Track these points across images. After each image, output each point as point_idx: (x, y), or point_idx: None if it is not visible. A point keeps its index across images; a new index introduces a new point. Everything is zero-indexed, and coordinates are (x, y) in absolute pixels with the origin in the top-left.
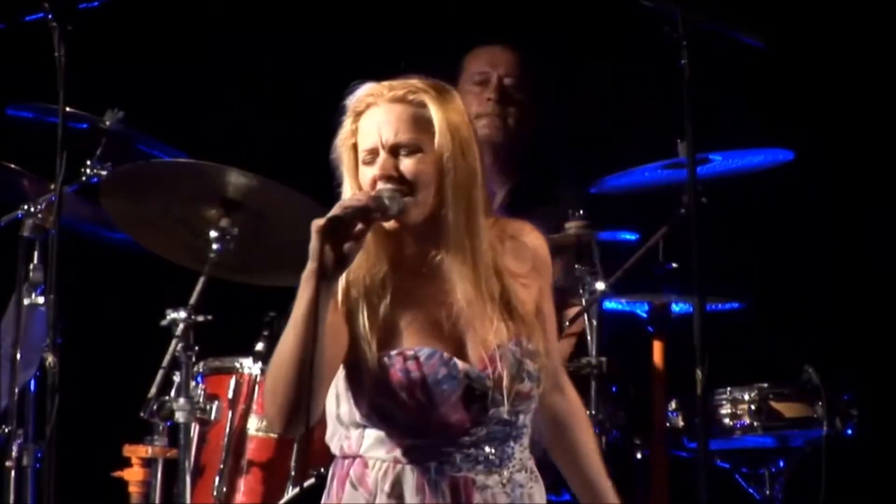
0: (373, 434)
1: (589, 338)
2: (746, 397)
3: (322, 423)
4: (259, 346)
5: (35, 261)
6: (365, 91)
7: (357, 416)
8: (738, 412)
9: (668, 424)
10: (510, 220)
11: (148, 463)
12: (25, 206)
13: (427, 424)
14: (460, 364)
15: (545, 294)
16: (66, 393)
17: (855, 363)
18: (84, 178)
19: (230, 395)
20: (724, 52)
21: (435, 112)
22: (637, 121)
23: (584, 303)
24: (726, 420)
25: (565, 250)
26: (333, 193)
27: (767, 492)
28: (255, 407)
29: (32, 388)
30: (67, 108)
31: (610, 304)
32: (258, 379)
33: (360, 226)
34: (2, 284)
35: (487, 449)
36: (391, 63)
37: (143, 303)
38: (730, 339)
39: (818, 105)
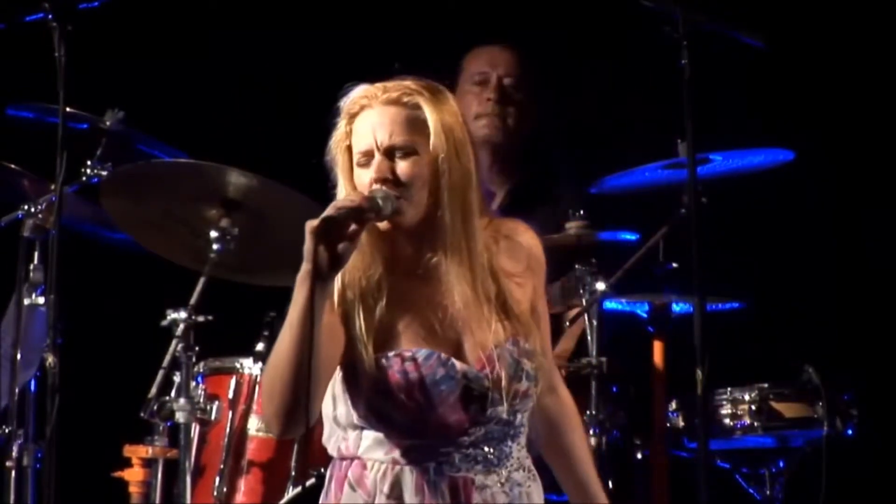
0: (371, 435)
1: (589, 338)
2: (746, 397)
3: (322, 422)
4: (259, 347)
5: (35, 261)
6: (358, 93)
7: (354, 418)
8: (739, 412)
9: (668, 424)
10: (504, 220)
11: (148, 463)
12: (26, 207)
13: (425, 425)
14: (458, 365)
15: (539, 293)
16: (66, 393)
17: (855, 363)
18: (84, 179)
19: (230, 395)
20: (724, 52)
21: (430, 114)
22: (637, 121)
23: (584, 303)
24: (726, 420)
25: (565, 251)
26: (329, 195)
27: (768, 492)
28: (255, 407)
29: (33, 388)
30: (67, 108)
31: (610, 304)
32: (258, 379)
33: (353, 226)
34: (2, 284)
35: (486, 449)
36: (391, 63)
37: (143, 303)
38: (730, 339)
39: (818, 105)
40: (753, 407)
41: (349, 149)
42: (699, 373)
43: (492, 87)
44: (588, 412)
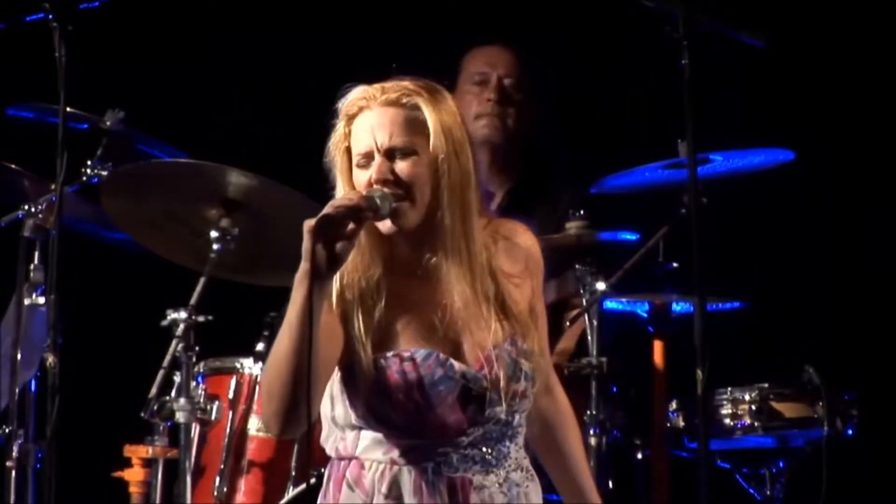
0: (369, 436)
1: (589, 338)
2: (747, 397)
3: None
4: (259, 347)
5: (35, 261)
6: (357, 94)
7: (353, 418)
8: (739, 412)
9: (668, 424)
10: (503, 221)
11: (148, 463)
12: (26, 207)
13: (424, 425)
14: (457, 365)
15: (537, 294)
16: (66, 393)
17: (855, 363)
18: (84, 179)
19: (231, 395)
20: (724, 52)
21: (429, 114)
22: (637, 121)
23: (584, 303)
24: (727, 420)
25: (565, 251)
26: (329, 195)
27: (768, 492)
28: (255, 407)
29: (33, 388)
30: (68, 108)
31: (610, 304)
32: (259, 379)
33: (351, 225)
34: (2, 284)
35: (484, 449)
36: (391, 63)
37: (143, 303)
38: (730, 339)
39: (818, 105)
40: (754, 407)
41: (348, 150)
42: (699, 373)
43: (492, 88)
44: (588, 412)
